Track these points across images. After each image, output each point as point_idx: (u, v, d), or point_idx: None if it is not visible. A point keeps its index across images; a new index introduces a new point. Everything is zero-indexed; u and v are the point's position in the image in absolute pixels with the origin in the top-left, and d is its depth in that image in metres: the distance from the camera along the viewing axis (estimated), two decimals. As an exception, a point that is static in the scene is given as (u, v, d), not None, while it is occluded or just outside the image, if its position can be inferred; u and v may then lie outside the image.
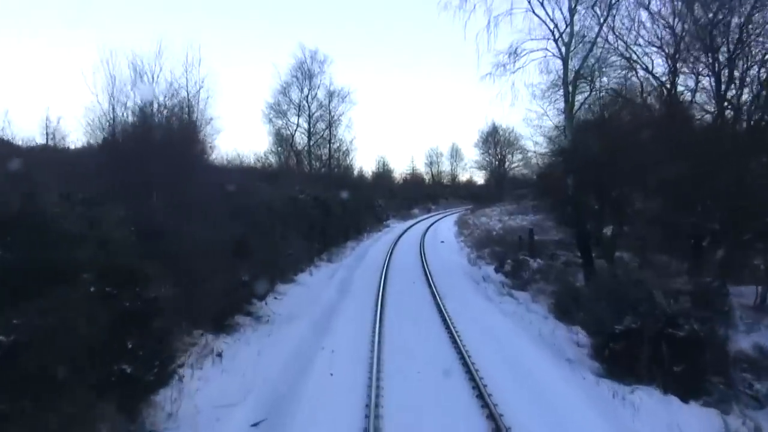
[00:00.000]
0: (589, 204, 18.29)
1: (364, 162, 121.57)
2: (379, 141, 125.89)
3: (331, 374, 8.97)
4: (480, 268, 21.13)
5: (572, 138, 18.90)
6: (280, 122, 38.16)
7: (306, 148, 38.31)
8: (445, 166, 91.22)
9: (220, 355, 9.55)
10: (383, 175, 69.06)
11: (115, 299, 6.13)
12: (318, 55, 38.62)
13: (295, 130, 38.48)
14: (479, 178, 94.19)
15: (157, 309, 6.76)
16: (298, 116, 38.33)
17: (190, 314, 9.41)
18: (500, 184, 66.88)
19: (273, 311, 13.43)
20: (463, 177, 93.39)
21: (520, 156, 67.59)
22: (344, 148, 44.91)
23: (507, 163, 68.28)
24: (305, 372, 9.05)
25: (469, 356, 9.57)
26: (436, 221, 50.56)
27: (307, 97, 38.19)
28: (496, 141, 66.97)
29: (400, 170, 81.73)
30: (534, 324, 12.48)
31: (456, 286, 17.44)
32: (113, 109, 16.21)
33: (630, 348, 9.08)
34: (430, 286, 17.11)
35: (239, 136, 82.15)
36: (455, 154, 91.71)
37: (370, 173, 65.26)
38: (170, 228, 9.75)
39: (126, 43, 51.38)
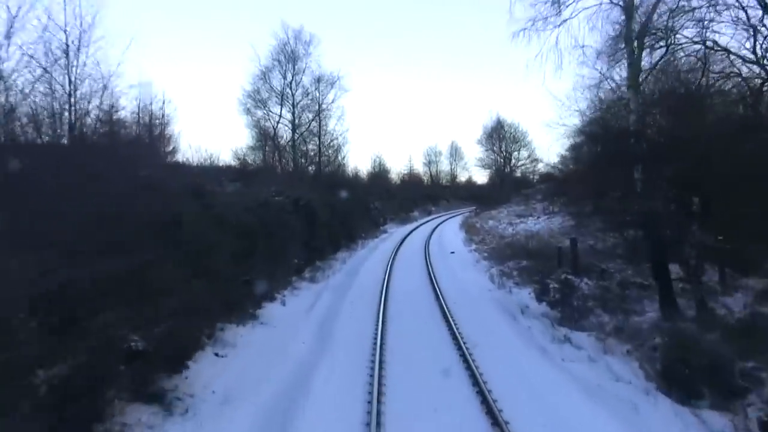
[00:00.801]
0: (668, 207, 13.16)
1: (359, 161, 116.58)
2: (375, 139, 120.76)
3: None
4: (510, 292, 15.95)
5: (639, 114, 13.75)
6: (259, 113, 32.96)
7: (290, 143, 33.05)
8: (444, 166, 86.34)
9: None
10: (380, 175, 63.91)
11: None
12: (303, 34, 33.46)
13: (278, 122, 33.26)
14: (480, 177, 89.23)
15: None
16: (281, 106, 33.13)
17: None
18: (506, 184, 61.75)
19: (203, 386, 8.22)
20: (462, 177, 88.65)
21: (526, 153, 62.68)
22: (335, 143, 39.80)
23: (513, 161, 63.20)
24: None
25: None
26: (438, 225, 45.42)
27: (290, 83, 32.97)
28: (501, 137, 61.87)
29: (397, 170, 76.61)
30: (644, 414, 7.29)
31: (486, 323, 12.27)
32: None
33: None
34: (449, 325, 11.93)
35: (219, 130, 76.38)
36: (455, 153, 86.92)
37: (366, 173, 60.19)
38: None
39: None
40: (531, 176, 66.61)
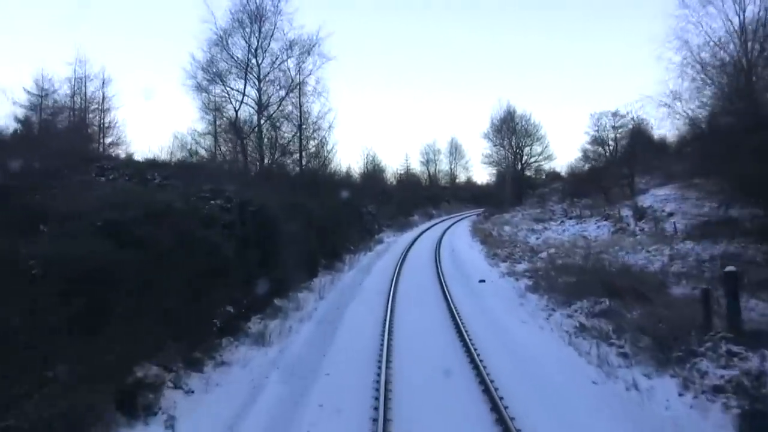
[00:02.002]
0: None
1: (349, 160, 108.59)
2: (368, 136, 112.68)
3: None
4: (640, 393, 7.89)
5: None
6: (216, 90, 25.12)
7: (256, 129, 25.23)
8: (444, 165, 78.90)
9: None
10: (374, 174, 56.16)
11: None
12: (271, -15, 25.60)
13: (241, 102, 25.43)
14: (481, 177, 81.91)
15: None
16: (245, 81, 25.27)
17: None
18: (519, 183, 54.12)
19: None
20: (462, 176, 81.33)
21: (539, 149, 55.07)
22: (318, 134, 31.97)
23: (524, 158, 55.53)
24: None
25: None
26: (444, 232, 37.66)
27: (255, 50, 25.13)
28: (512, 129, 54.17)
29: (393, 169, 68.90)
30: None
31: None
32: None
33: None
34: None
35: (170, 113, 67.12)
36: (455, 151, 79.75)
37: (357, 172, 52.46)
38: None
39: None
40: (542, 175, 58.95)
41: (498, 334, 10.69)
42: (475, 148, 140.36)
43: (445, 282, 16.50)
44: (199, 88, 24.36)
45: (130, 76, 72.58)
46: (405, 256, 24.56)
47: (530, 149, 54.77)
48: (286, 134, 26.40)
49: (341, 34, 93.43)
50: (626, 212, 36.32)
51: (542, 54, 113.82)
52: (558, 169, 59.96)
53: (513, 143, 54.41)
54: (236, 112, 25.36)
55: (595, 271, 17.15)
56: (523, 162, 55.17)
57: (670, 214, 32.88)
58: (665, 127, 58.10)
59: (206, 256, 9.94)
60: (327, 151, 34.05)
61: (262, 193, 16.07)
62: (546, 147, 54.61)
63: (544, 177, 59.07)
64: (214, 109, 24.69)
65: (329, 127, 30.17)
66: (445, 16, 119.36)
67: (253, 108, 25.20)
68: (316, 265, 19.13)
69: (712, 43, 23.80)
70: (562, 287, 15.07)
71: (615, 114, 54.14)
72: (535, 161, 55.42)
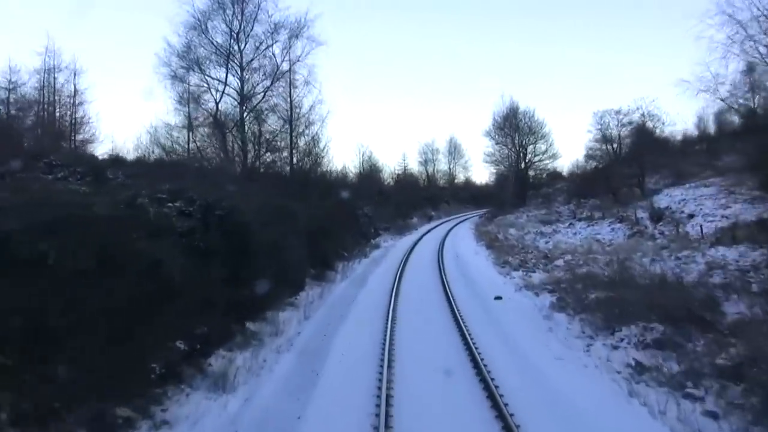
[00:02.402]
0: None
1: (345, 159, 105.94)
2: (363, 134, 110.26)
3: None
4: None
5: None
6: (194, 79, 22.57)
7: (238, 122, 22.68)
8: (442, 165, 76.45)
9: None
10: (370, 174, 53.67)
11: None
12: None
13: (222, 94, 22.90)
14: (480, 177, 79.59)
15: None
16: (226, 69, 22.73)
17: None
18: (523, 183, 51.65)
19: None
20: (460, 176, 78.93)
21: (543, 147, 52.57)
22: (310, 130, 29.52)
23: (528, 156, 53.03)
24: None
25: None
26: (446, 235, 35.12)
27: (237, 35, 22.56)
28: (515, 126, 51.65)
29: (390, 169, 66.39)
30: None
31: None
32: None
33: None
34: None
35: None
36: (454, 151, 77.33)
37: (352, 172, 49.99)
38: None
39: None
40: (542, 174, 56.25)
41: (530, 377, 8.14)
42: (474, 147, 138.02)
43: (453, 299, 13.93)
44: (175, 77, 21.79)
45: (106, 67, 69.65)
46: (404, 264, 22.04)
47: (534, 147, 52.34)
48: (274, 128, 23.79)
49: (336, 28, 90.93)
50: (641, 214, 33.94)
51: (543, 51, 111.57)
52: (559, 169, 57.72)
53: (516, 141, 51.93)
54: (217, 104, 22.83)
55: (625, 283, 14.69)
56: (526, 161, 52.70)
57: (691, 216, 30.47)
58: (702, 116, 55.56)
59: (143, 277, 7.40)
60: (320, 148, 31.60)
61: (237, 193, 13.54)
62: (550, 145, 52.21)
63: (544, 177, 56.56)
64: (191, 100, 22.11)
65: (322, 122, 27.69)
66: (443, 11, 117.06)
67: (235, 99, 22.64)
68: (304, 276, 16.60)
69: (762, 17, 20.80)
70: (593, 305, 12.56)
71: (618, 112, 52.00)
72: (539, 160, 52.98)
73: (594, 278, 16.00)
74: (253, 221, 12.14)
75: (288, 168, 30.40)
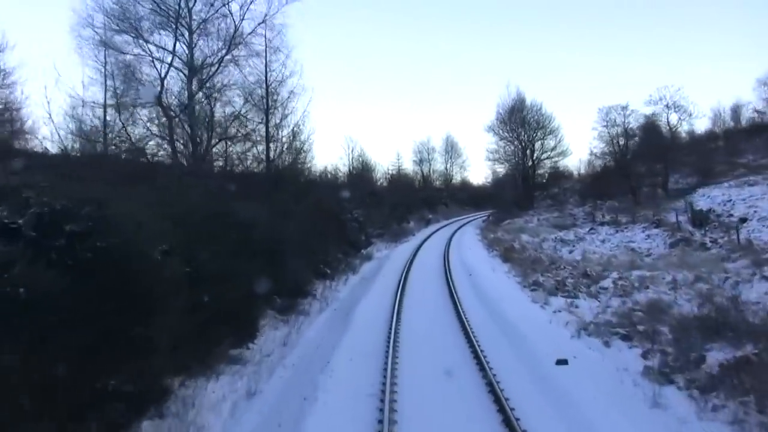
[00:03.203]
0: None
1: (333, 158, 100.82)
2: (355, 132, 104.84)
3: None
4: None
5: None
6: (130, 47, 17.33)
7: (186, 103, 17.49)
8: (438, 165, 71.73)
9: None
10: (361, 174, 48.60)
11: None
12: None
13: (169, 67, 17.75)
14: (481, 177, 74.90)
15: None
16: (175, 35, 17.56)
17: None
18: (531, 183, 46.74)
19: None
20: (458, 176, 74.27)
21: (552, 143, 47.66)
22: (287, 119, 24.58)
23: (536, 153, 48.10)
24: None
25: None
26: (449, 243, 30.05)
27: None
28: (522, 120, 46.67)
29: (383, 168, 61.41)
30: None
31: None
32: None
33: None
34: None
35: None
36: (451, 150, 72.60)
37: (342, 172, 45.03)
38: None
39: None
40: (545, 174, 51.22)
41: None
42: (472, 146, 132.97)
43: (486, 364, 8.79)
44: (102, 44, 16.54)
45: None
46: (403, 285, 16.96)
47: (542, 144, 47.38)
48: (235, 111, 18.61)
49: (326, 23, 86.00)
50: (677, 217, 29.14)
51: (544, 47, 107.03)
52: (563, 169, 52.88)
53: (523, 136, 46.93)
54: (162, 80, 17.64)
55: (737, 326, 9.65)
56: (534, 158, 47.73)
57: (743, 219, 25.65)
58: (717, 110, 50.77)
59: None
60: (300, 141, 26.55)
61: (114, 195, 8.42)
62: (560, 141, 47.28)
63: (546, 177, 51.61)
64: (127, 75, 16.92)
65: (304, 110, 22.74)
66: (437, 4, 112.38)
67: (182, 71, 17.45)
68: (257, 314, 11.46)
69: None
70: (723, 377, 7.53)
71: (625, 108, 47.62)
72: (547, 157, 48.03)
73: (680, 316, 11.00)
74: (150, 242, 7.01)
75: (262, 165, 25.55)
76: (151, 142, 17.26)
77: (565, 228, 34.58)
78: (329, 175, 43.36)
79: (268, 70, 25.46)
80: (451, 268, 19.95)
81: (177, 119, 17.59)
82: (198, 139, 17.03)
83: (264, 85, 25.12)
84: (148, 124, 17.24)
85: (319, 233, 19.94)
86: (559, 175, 53.26)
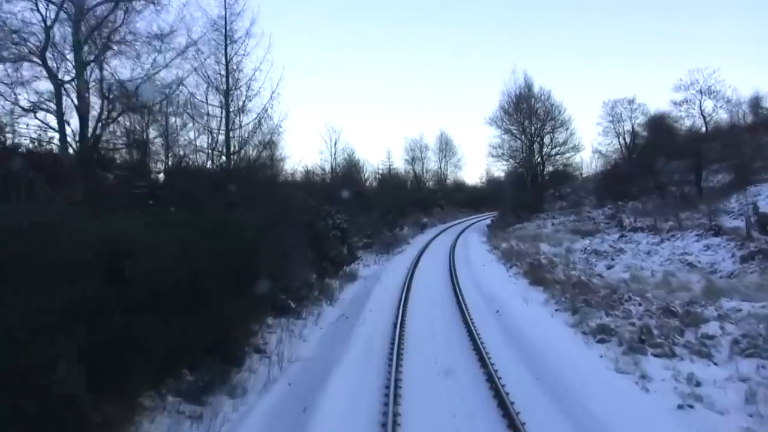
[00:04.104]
0: None
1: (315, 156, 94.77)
2: (340, 127, 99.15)
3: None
4: None
5: None
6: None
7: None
8: (432, 164, 66.41)
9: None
10: (348, 173, 42.88)
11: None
12: None
13: (56, 16, 12.01)
14: (476, 176, 69.74)
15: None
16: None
17: None
18: (541, 182, 41.30)
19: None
20: (451, 176, 68.98)
21: (563, 137, 42.24)
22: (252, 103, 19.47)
23: (545, 148, 42.65)
24: None
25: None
26: (453, 254, 24.45)
27: None
28: (530, 110, 41.17)
29: (372, 167, 55.77)
30: None
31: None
32: None
33: None
34: None
35: None
36: (445, 147, 67.29)
37: (323, 171, 39.43)
38: None
39: None
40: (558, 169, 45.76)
41: None
42: (467, 143, 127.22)
43: None
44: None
45: None
46: (400, 330, 11.31)
47: (551, 137, 41.92)
48: (145, 70, 12.84)
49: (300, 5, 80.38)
50: (731, 222, 23.84)
51: (545, 43, 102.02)
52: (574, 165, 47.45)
53: (530, 129, 41.43)
54: (47, 29, 11.94)
55: None
56: (542, 154, 42.26)
57: (831, 225, 20.38)
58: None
59: None
60: (265, 130, 21.16)
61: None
62: (572, 135, 41.87)
63: (547, 177, 46.11)
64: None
65: (272, 92, 17.39)
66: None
67: (70, 17, 11.73)
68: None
69: None
70: None
71: (632, 101, 42.98)
72: (557, 153, 42.57)
73: None
74: None
75: (220, 158, 20.32)
76: (25, 119, 11.51)
77: (588, 234, 29.14)
78: (309, 174, 37.77)
79: (227, 40, 20.16)
80: (466, 298, 14.32)
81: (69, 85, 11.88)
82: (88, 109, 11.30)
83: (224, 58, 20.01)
84: (25, 93, 11.52)
85: (284, 250, 14.31)
86: (558, 174, 47.62)
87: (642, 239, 24.66)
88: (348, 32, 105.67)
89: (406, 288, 16.50)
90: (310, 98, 75.37)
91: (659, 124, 42.46)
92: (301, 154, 50.28)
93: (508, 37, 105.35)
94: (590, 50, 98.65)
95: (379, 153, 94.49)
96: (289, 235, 15.19)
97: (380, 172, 54.49)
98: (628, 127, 45.74)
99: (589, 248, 23.66)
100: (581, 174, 43.49)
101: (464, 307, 13.09)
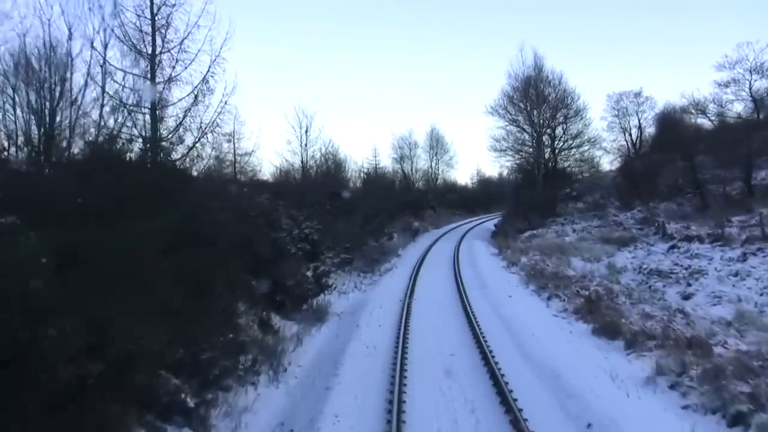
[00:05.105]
0: None
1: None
2: (324, 122, 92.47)
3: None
4: None
5: None
6: None
7: None
8: (422, 162, 60.51)
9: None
10: (329, 173, 36.49)
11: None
12: None
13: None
14: (463, 178, 64.03)
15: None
16: None
17: None
18: (554, 181, 35.30)
19: None
20: (443, 175, 63.06)
21: (577, 128, 36.31)
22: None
23: (556, 142, 36.65)
24: None
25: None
26: (463, 277, 18.27)
27: None
28: (538, 96, 35.10)
29: (356, 165, 49.52)
30: None
31: None
32: None
33: None
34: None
35: None
36: (436, 145, 61.42)
37: (296, 167, 33.12)
38: None
39: None
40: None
41: None
42: (460, 140, 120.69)
43: None
44: None
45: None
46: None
47: (564, 128, 35.93)
48: None
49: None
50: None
51: (544, 37, 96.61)
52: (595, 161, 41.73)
53: (538, 120, 35.38)
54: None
55: None
56: (554, 148, 36.25)
57: None
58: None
59: None
60: (204, 104, 15.28)
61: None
62: (587, 126, 35.97)
63: (566, 169, 40.32)
64: None
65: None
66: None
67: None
68: None
69: None
70: None
71: (638, 95, 37.70)
72: (570, 147, 36.60)
73: None
74: None
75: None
76: None
77: (623, 244, 23.18)
78: (281, 173, 31.63)
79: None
80: (506, 373, 8.14)
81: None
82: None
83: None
84: None
85: (194, 290, 8.08)
86: (560, 174, 41.49)
87: (707, 252, 18.70)
88: (329, 25, 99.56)
89: (401, 337, 10.33)
90: (287, 95, 69.04)
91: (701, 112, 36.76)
92: (275, 151, 44.68)
93: (503, 31, 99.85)
94: (592, 48, 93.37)
95: (365, 151, 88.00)
96: (213, 264, 8.91)
97: (366, 170, 48.28)
98: (634, 122, 40.77)
99: (644, 267, 17.59)
100: (597, 170, 37.65)
101: (512, 405, 6.90)
